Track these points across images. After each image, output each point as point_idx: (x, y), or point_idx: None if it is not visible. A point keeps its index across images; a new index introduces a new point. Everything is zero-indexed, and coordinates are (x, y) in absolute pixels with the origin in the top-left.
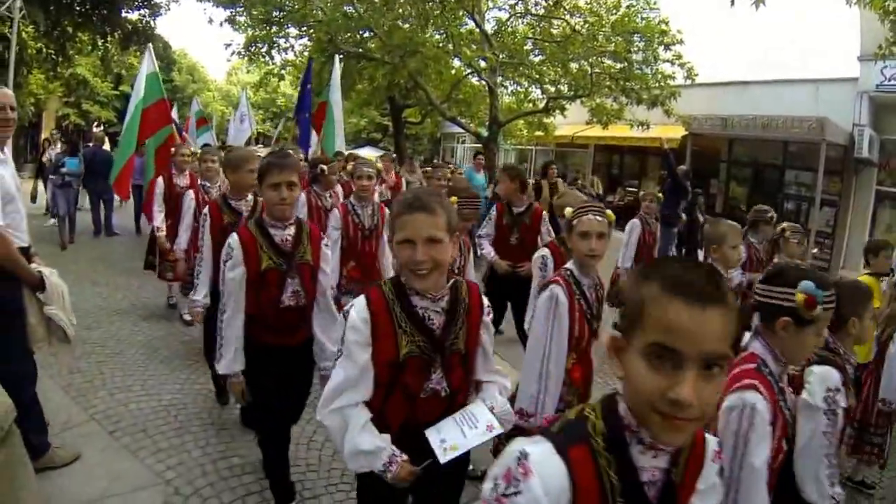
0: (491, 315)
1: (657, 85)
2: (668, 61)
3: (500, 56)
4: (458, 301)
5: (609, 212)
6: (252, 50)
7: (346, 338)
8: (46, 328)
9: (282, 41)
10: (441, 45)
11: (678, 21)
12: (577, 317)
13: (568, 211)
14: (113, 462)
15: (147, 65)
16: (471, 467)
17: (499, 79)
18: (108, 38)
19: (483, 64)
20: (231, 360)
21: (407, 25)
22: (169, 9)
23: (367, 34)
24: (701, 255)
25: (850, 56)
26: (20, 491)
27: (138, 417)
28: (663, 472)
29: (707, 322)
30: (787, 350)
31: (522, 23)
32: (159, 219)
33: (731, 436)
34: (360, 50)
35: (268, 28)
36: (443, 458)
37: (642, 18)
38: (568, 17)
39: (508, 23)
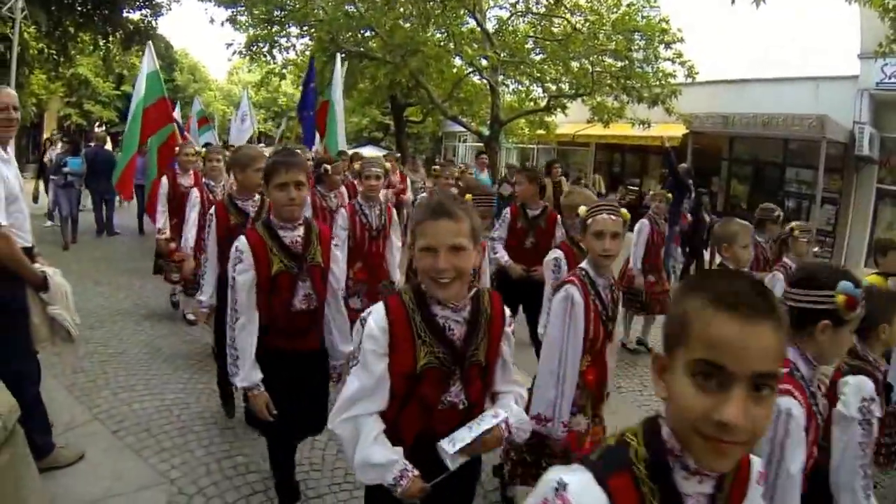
0: (513, 326)
1: (658, 83)
2: (668, 60)
3: (502, 55)
4: (479, 311)
5: (624, 210)
6: (253, 49)
7: (362, 346)
8: (50, 328)
9: (283, 40)
10: (442, 43)
11: (678, 19)
12: (593, 318)
13: (582, 210)
14: (117, 462)
15: (148, 63)
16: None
17: (500, 77)
18: (110, 38)
19: (484, 63)
20: (249, 371)
21: (408, 24)
22: (170, 9)
23: (368, 33)
24: (706, 254)
25: (851, 54)
26: (24, 491)
27: (142, 417)
28: (708, 497)
29: (756, 337)
30: (824, 352)
31: (523, 21)
32: (162, 220)
33: (767, 443)
34: (362, 49)
35: (269, 27)
36: (451, 463)
37: (643, 17)
38: (569, 15)
39: (509, 21)
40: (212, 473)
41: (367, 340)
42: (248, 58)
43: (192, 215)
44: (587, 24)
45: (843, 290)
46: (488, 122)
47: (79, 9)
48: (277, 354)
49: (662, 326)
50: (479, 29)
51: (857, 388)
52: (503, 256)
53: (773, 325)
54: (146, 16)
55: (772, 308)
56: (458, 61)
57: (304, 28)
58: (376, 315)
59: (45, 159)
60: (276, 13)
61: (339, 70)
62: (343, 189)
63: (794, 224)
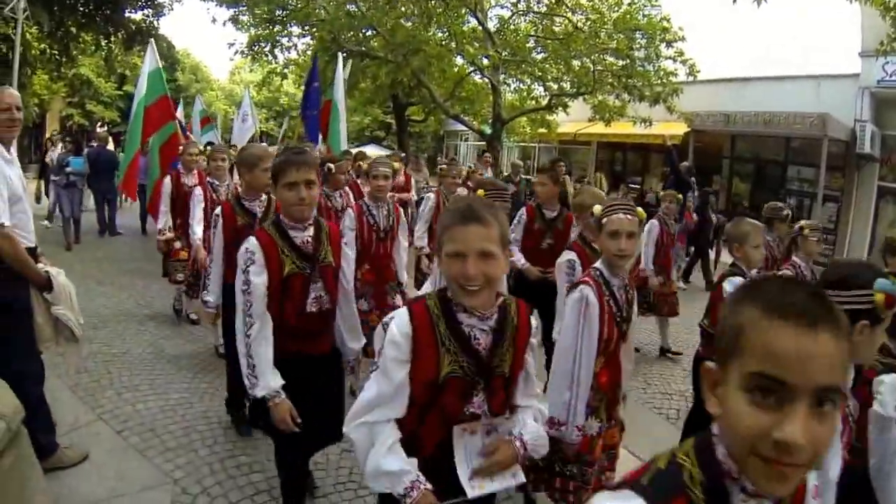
0: (538, 337)
1: (659, 82)
2: (670, 58)
3: (503, 53)
4: (506, 321)
5: (640, 209)
6: (255, 49)
7: (384, 352)
8: (54, 328)
9: (284, 40)
10: (444, 43)
11: (679, 18)
12: (607, 319)
13: (597, 209)
14: (121, 462)
15: (150, 62)
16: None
17: (502, 76)
18: (112, 39)
19: (486, 62)
20: (269, 378)
21: (410, 24)
22: (172, 8)
23: (369, 33)
24: (712, 253)
25: (852, 52)
26: (29, 491)
27: (146, 417)
28: None
29: (818, 348)
30: (860, 353)
31: (525, 20)
32: (163, 220)
33: None
34: (363, 48)
35: (271, 27)
36: (471, 494)
37: (644, 15)
38: (570, 14)
39: (511, 20)
40: (216, 473)
41: (389, 346)
42: (249, 57)
43: (198, 212)
44: (588, 22)
45: (882, 289)
46: (490, 121)
47: (81, 9)
48: (288, 359)
49: (715, 338)
50: (480, 28)
51: (893, 388)
52: (520, 259)
53: (835, 335)
54: (148, 16)
55: (833, 316)
56: (459, 60)
57: (306, 28)
58: (399, 320)
59: (47, 159)
60: (277, 13)
61: (341, 69)
62: (347, 188)
63: (803, 223)
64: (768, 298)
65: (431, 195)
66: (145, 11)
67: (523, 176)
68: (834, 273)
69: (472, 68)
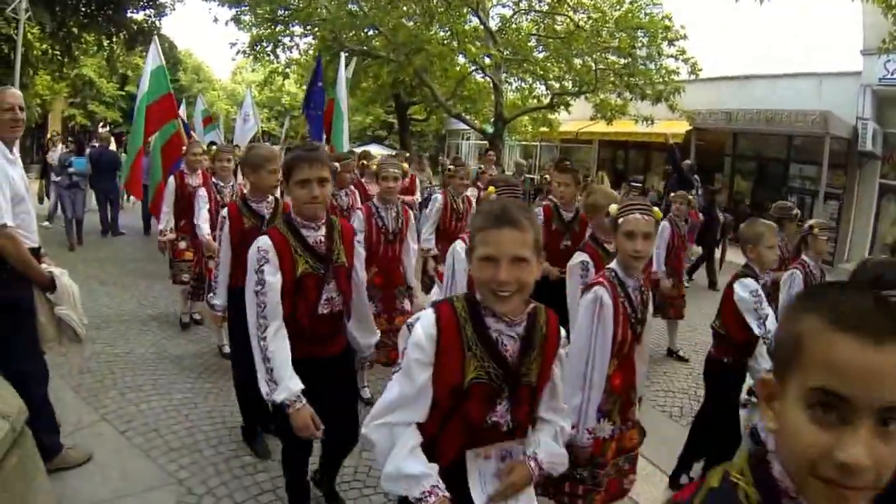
0: (567, 347)
1: (661, 80)
2: (671, 56)
3: (505, 52)
4: (535, 328)
5: (656, 210)
6: (257, 49)
7: (407, 353)
8: (57, 328)
9: (286, 40)
10: (446, 42)
11: (680, 16)
12: (621, 320)
13: (613, 209)
14: (125, 462)
15: (153, 59)
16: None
17: (503, 75)
18: (114, 39)
19: (488, 61)
20: (289, 381)
21: (411, 23)
22: (174, 9)
23: (371, 32)
24: (718, 252)
25: (853, 50)
26: (33, 492)
27: (149, 417)
28: None
29: (885, 363)
30: None
31: (526, 19)
32: (164, 221)
33: None
34: (365, 48)
35: (272, 27)
36: None
37: (646, 14)
38: (572, 13)
39: (513, 19)
40: (221, 473)
41: (413, 348)
42: (251, 57)
43: (203, 212)
44: (590, 21)
45: None
46: (492, 120)
47: (83, 9)
48: (298, 363)
49: (773, 348)
50: (482, 27)
51: None
52: None
53: None
54: (150, 16)
55: None
56: (461, 59)
57: (308, 27)
58: (425, 322)
59: (48, 159)
60: (279, 12)
61: (343, 68)
62: (352, 187)
63: (813, 222)
64: (831, 307)
65: (439, 196)
66: (147, 11)
67: (527, 175)
68: (866, 273)
69: (473, 67)
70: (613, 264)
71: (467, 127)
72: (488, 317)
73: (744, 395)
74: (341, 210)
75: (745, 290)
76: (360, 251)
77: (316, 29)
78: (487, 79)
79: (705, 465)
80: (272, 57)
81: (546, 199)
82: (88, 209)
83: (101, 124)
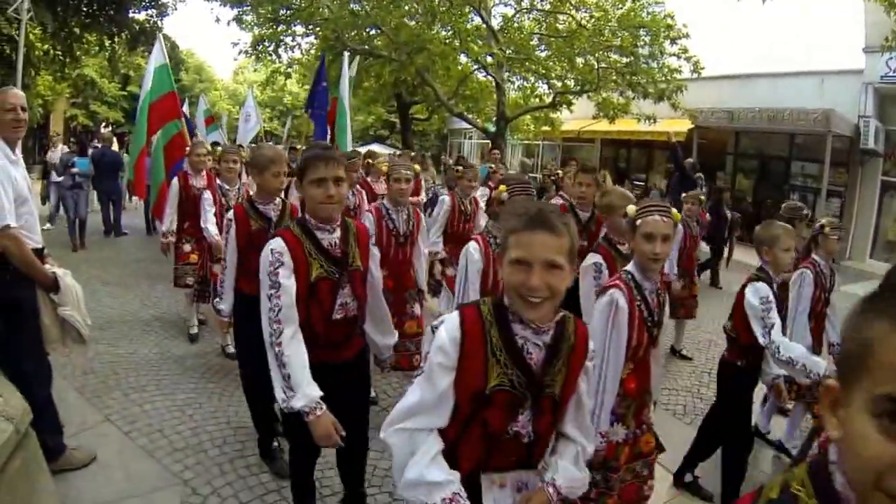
0: (594, 360)
1: (663, 79)
2: (674, 55)
3: (507, 51)
4: (562, 338)
5: (675, 211)
6: (259, 49)
7: (430, 357)
8: (61, 329)
9: (288, 39)
10: (448, 41)
11: (682, 16)
12: (637, 324)
13: (631, 210)
14: (130, 463)
15: (156, 57)
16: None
17: (505, 74)
18: (116, 39)
19: (490, 60)
20: (307, 387)
21: (413, 22)
22: (176, 8)
23: (373, 32)
24: (725, 250)
25: (855, 49)
26: (38, 493)
27: (154, 417)
28: None
29: None
30: None
31: (528, 18)
32: (167, 222)
33: None
34: (367, 47)
35: (274, 27)
36: None
37: (648, 13)
38: (574, 11)
39: (515, 18)
40: (226, 473)
41: (436, 352)
42: (253, 57)
43: (210, 214)
44: (592, 20)
45: None
46: (494, 119)
47: (84, 9)
48: (311, 369)
49: (838, 353)
50: (484, 26)
51: None
52: None
53: None
54: (152, 16)
55: None
56: (463, 58)
57: (310, 27)
58: (449, 325)
59: (48, 159)
60: (281, 12)
61: (347, 67)
62: (359, 187)
63: (824, 221)
64: None
65: (446, 198)
66: (149, 11)
67: (531, 174)
68: None
69: (475, 66)
70: (630, 266)
71: (469, 126)
72: (515, 322)
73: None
74: (348, 210)
75: (755, 295)
76: (375, 252)
77: (318, 28)
78: (489, 78)
79: (723, 468)
80: (274, 57)
81: (557, 196)
82: (91, 210)
83: (103, 124)
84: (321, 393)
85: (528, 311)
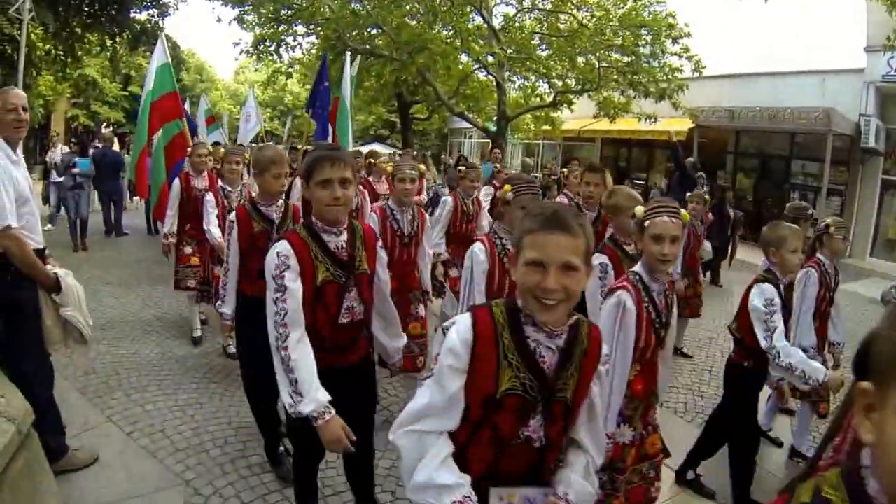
0: (607, 365)
1: (665, 78)
2: (675, 54)
3: (508, 51)
4: (576, 341)
5: (684, 212)
6: (260, 48)
7: (440, 359)
8: (63, 330)
9: (290, 39)
10: (449, 40)
11: (683, 16)
12: (645, 325)
13: (639, 210)
14: (132, 463)
15: (159, 55)
16: None
17: (506, 74)
18: (117, 39)
19: (491, 59)
20: (316, 392)
21: (415, 22)
22: (177, 8)
23: (374, 31)
24: (729, 250)
25: (856, 48)
26: (41, 494)
27: (155, 418)
28: None
29: None
30: None
31: (530, 17)
32: (169, 224)
33: None
34: (368, 47)
35: (276, 26)
36: None
37: (649, 12)
38: (575, 11)
39: (516, 18)
40: (227, 474)
41: (447, 354)
42: (254, 57)
43: (212, 216)
44: (594, 19)
45: None
46: (495, 119)
47: (86, 9)
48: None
49: (873, 354)
50: (485, 25)
51: None
52: None
53: None
54: (153, 16)
55: None
56: (464, 58)
57: (311, 27)
58: (461, 327)
59: (47, 159)
60: (282, 12)
61: (349, 66)
62: (361, 187)
63: (829, 220)
64: None
65: (448, 199)
66: (150, 11)
67: (533, 174)
68: None
69: (476, 66)
70: (638, 267)
71: (470, 125)
72: (528, 325)
73: None
74: (351, 211)
75: (760, 297)
76: (382, 255)
77: (319, 28)
78: (490, 77)
79: (731, 470)
80: (275, 56)
81: (561, 195)
82: (92, 210)
83: (104, 125)
84: (329, 397)
85: (542, 314)
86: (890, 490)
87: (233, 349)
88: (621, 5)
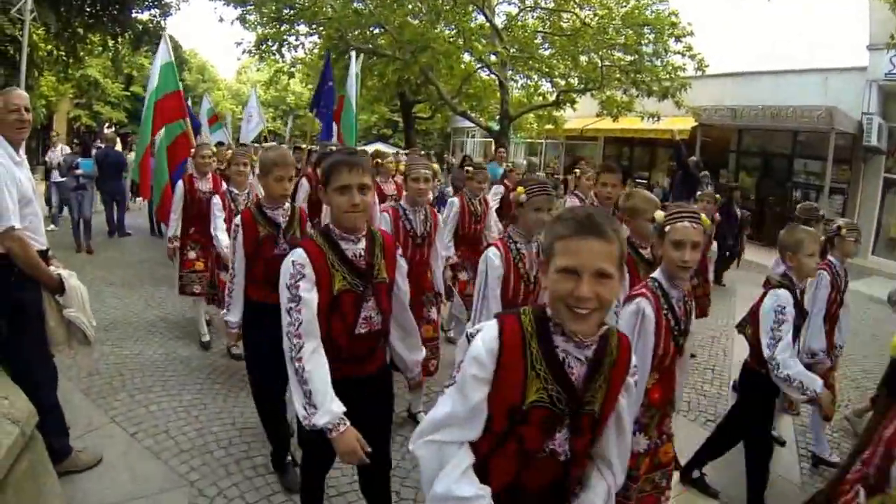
0: (636, 377)
1: (667, 77)
2: (678, 53)
3: (511, 50)
4: (605, 352)
5: (704, 217)
6: (262, 48)
7: (463, 367)
8: (67, 331)
9: (292, 39)
10: (452, 40)
11: (685, 15)
12: (664, 333)
13: (659, 215)
14: (136, 464)
15: (162, 54)
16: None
17: (509, 73)
18: (119, 39)
19: (493, 58)
20: (331, 403)
21: (417, 21)
22: (179, 8)
23: (377, 31)
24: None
25: (858, 47)
26: (44, 495)
27: (159, 419)
28: None
29: None
30: None
31: (532, 16)
32: (173, 228)
33: None
34: (371, 46)
35: (278, 26)
36: None
37: (652, 11)
38: (578, 10)
39: (518, 17)
40: (232, 475)
41: (471, 363)
42: (257, 56)
43: (220, 221)
44: (596, 18)
45: None
46: (497, 118)
47: (88, 10)
48: (333, 384)
49: None
50: (488, 24)
51: None
52: None
53: None
54: (155, 16)
55: None
56: (467, 57)
57: (313, 26)
58: (487, 335)
59: (47, 159)
60: (285, 11)
61: (354, 64)
62: None
63: (841, 222)
64: None
65: (455, 200)
66: (152, 11)
67: (538, 173)
68: None
69: (479, 65)
70: (657, 274)
71: (472, 125)
72: (557, 335)
73: None
74: None
75: (772, 304)
76: (402, 264)
77: (321, 28)
78: (493, 76)
79: (748, 475)
80: (278, 56)
81: (571, 196)
82: (95, 210)
83: (107, 125)
84: (344, 409)
85: (574, 323)
86: None
87: (236, 350)
88: (624, 4)
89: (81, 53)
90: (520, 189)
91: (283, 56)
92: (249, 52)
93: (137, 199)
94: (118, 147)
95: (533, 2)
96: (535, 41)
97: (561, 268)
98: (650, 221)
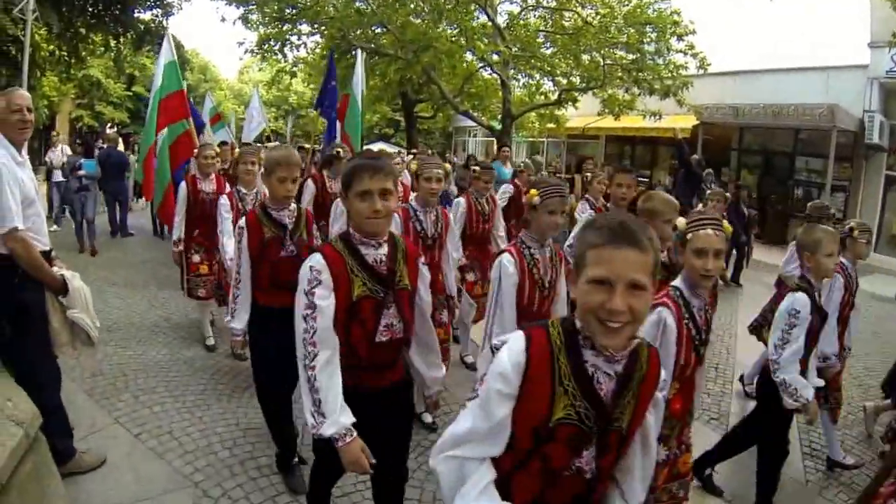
0: (664, 391)
1: (669, 75)
2: (680, 52)
3: (513, 49)
4: (635, 367)
5: (727, 224)
6: (264, 48)
7: (487, 381)
8: (70, 332)
9: (294, 38)
10: (454, 39)
11: (688, 12)
12: (685, 343)
13: (681, 223)
14: (140, 465)
15: (165, 53)
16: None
17: (511, 72)
18: (121, 39)
19: (496, 57)
20: (340, 414)
21: (419, 20)
22: (181, 8)
23: (379, 30)
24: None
25: (860, 45)
26: (48, 497)
27: (163, 419)
28: None
29: None
30: None
31: (534, 15)
32: (177, 232)
33: None
34: (373, 46)
35: (280, 26)
36: None
37: (654, 10)
38: (580, 8)
39: (521, 16)
40: (236, 475)
41: (495, 377)
42: (259, 56)
43: (227, 225)
44: (598, 17)
45: None
46: (499, 117)
47: (90, 10)
48: (352, 392)
49: None
50: (490, 24)
51: None
52: None
53: None
54: (157, 16)
55: None
56: (469, 56)
57: (316, 26)
58: (513, 347)
59: (46, 159)
60: (287, 11)
61: (360, 63)
62: None
63: (853, 223)
64: None
65: (461, 200)
66: (154, 11)
67: (541, 172)
68: None
69: (481, 64)
70: (678, 282)
71: (474, 124)
72: (586, 349)
73: None
74: None
75: (788, 306)
76: (425, 272)
77: (323, 27)
78: (495, 75)
79: (758, 478)
80: (280, 56)
81: (582, 200)
82: (99, 211)
83: (109, 125)
84: (353, 420)
85: (605, 337)
86: None
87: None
88: (626, 3)
89: (83, 53)
90: (532, 192)
91: (285, 56)
92: (251, 51)
93: (140, 199)
94: (120, 147)
95: (535, 1)
96: (537, 40)
97: (592, 278)
98: (668, 223)
